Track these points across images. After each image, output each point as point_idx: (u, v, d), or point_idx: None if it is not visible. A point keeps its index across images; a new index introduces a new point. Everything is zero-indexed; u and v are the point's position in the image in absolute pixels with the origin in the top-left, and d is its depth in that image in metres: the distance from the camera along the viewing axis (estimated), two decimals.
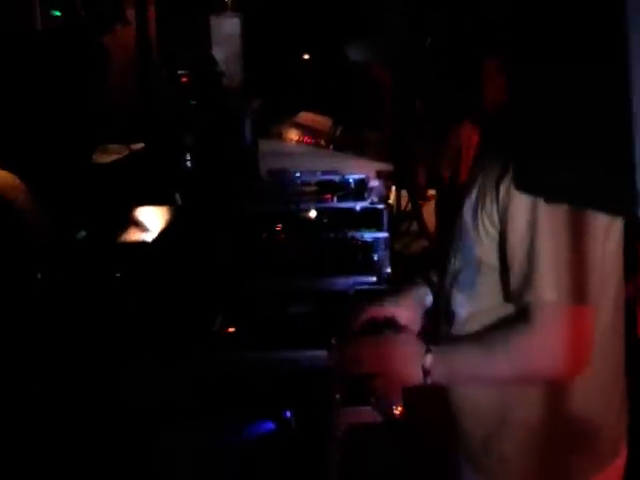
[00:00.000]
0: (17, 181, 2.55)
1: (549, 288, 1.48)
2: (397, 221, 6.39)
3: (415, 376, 1.62)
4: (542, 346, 1.51)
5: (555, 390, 1.61)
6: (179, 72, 4.15)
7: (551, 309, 1.49)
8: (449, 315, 1.73)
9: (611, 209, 0.72)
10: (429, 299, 1.97)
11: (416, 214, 6.20)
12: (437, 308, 1.84)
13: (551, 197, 0.81)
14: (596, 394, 1.65)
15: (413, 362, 1.62)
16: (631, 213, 0.62)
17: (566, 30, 0.75)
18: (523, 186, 0.79)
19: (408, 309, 1.94)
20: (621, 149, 0.62)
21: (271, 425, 1.62)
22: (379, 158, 4.18)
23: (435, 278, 1.96)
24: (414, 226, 6.30)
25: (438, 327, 1.79)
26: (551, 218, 1.46)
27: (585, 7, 0.73)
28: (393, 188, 5.47)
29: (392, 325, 1.90)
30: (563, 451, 1.65)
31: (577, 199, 0.71)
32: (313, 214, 3.32)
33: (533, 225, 1.48)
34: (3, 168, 2.54)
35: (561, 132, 0.73)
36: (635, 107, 0.61)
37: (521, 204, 1.50)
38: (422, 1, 1.72)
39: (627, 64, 0.64)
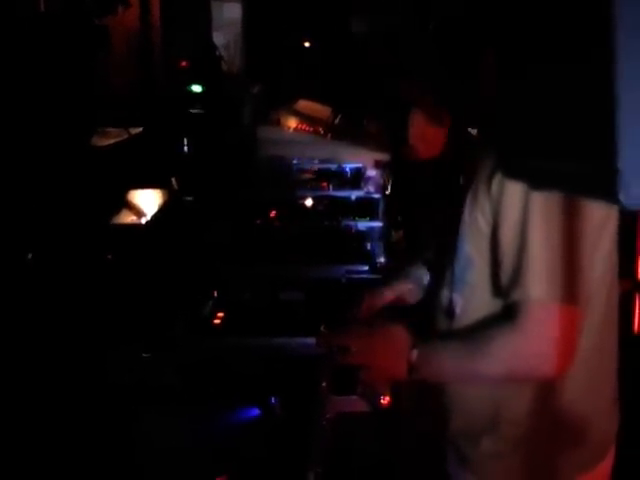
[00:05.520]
0: None
1: (537, 286, 1.46)
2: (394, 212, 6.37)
3: (401, 371, 1.62)
4: (526, 345, 1.50)
5: (545, 390, 1.61)
6: (178, 56, 4.13)
7: (538, 308, 1.47)
8: (447, 312, 1.72)
9: (596, 195, 0.72)
10: (427, 278, 1.99)
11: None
12: (432, 304, 1.83)
13: (537, 183, 0.81)
14: (586, 395, 1.65)
15: (399, 357, 1.62)
16: (614, 198, 0.61)
17: (554, 23, 0.75)
18: (510, 172, 0.79)
19: (410, 290, 1.98)
20: (605, 136, 0.62)
21: (256, 411, 1.61)
22: (378, 148, 4.15)
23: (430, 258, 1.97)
24: None
25: (432, 322, 1.78)
26: (543, 214, 1.44)
27: (574, 7, 0.73)
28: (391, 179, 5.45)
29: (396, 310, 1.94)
30: (552, 450, 1.65)
31: (562, 185, 0.71)
32: (309, 202, 3.32)
33: (524, 222, 1.47)
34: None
35: (548, 120, 0.73)
36: (619, 96, 0.61)
37: (513, 199, 1.48)
38: None
39: (613, 59, 0.63)
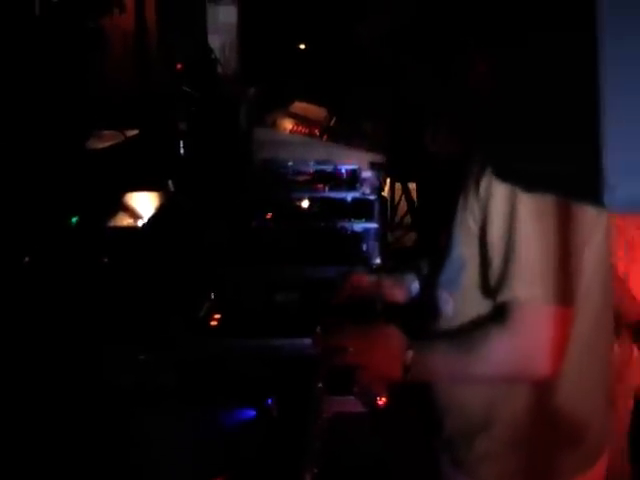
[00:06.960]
0: None
1: (524, 287, 1.47)
2: (391, 213, 6.37)
3: (396, 371, 1.62)
4: (516, 346, 1.50)
5: (539, 390, 1.61)
6: (174, 59, 4.14)
7: (525, 309, 1.48)
8: (436, 312, 1.73)
9: (581, 197, 0.72)
10: (415, 286, 1.99)
11: (410, 207, 6.18)
12: (424, 304, 1.84)
13: (523, 185, 0.82)
14: (580, 396, 1.65)
15: (394, 357, 1.63)
16: (599, 201, 0.62)
17: (539, 26, 0.76)
18: (497, 173, 0.80)
19: (394, 285, 1.99)
20: (590, 139, 0.63)
21: (253, 412, 1.62)
22: (374, 149, 4.17)
23: (424, 269, 1.97)
24: (408, 219, 6.28)
25: (426, 323, 1.79)
26: (529, 215, 1.45)
27: (558, 11, 0.74)
28: (388, 180, 5.47)
29: (376, 298, 1.95)
30: (546, 452, 1.65)
31: (548, 187, 0.72)
32: (305, 203, 3.34)
33: (511, 222, 1.47)
34: None
35: (533, 123, 0.74)
36: (604, 98, 0.62)
37: (500, 200, 1.49)
38: None
39: (598, 61, 0.64)
